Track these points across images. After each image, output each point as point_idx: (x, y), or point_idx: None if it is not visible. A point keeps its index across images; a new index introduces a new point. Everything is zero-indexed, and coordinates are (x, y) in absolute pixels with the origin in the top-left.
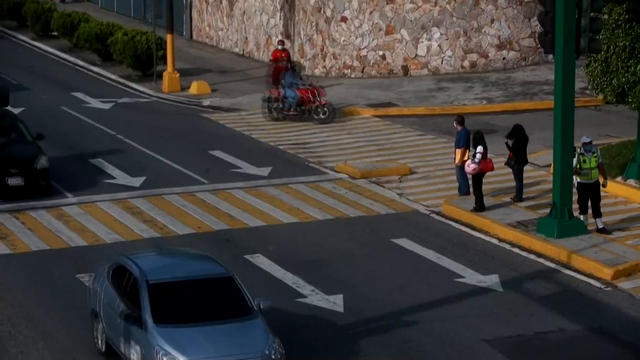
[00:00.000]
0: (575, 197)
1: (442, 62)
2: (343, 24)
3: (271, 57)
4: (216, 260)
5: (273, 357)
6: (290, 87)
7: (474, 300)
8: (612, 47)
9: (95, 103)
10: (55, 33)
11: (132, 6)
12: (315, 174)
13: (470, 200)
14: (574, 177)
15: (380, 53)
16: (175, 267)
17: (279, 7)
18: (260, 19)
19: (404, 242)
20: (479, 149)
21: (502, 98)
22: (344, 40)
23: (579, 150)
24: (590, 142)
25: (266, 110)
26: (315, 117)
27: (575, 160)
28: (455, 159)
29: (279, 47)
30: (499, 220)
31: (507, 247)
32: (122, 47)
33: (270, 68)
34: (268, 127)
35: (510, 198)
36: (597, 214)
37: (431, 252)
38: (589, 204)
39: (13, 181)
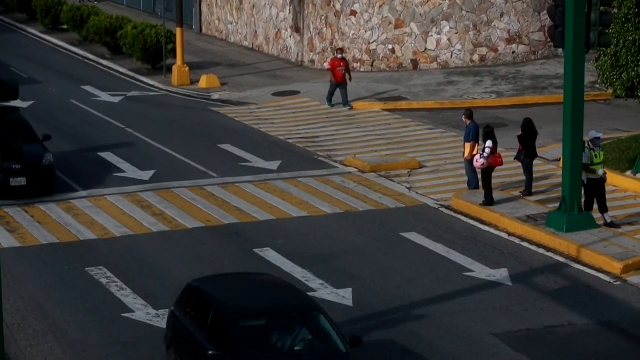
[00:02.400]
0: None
1: (451, 56)
2: (352, 18)
3: (328, 67)
4: None
5: None
6: None
7: (483, 293)
8: (621, 41)
9: (104, 96)
10: (64, 26)
11: None
12: (325, 168)
13: (480, 194)
14: (584, 174)
15: (390, 47)
16: None
17: (288, 1)
18: (269, 13)
19: (413, 236)
20: (488, 143)
21: (511, 92)
22: (353, 34)
23: (588, 145)
24: (599, 137)
25: None
26: None
27: (585, 157)
28: (464, 152)
29: (338, 55)
30: (508, 214)
31: (516, 241)
32: (132, 40)
33: None
34: (277, 120)
35: (520, 192)
36: (603, 208)
37: (440, 246)
38: (594, 200)
39: None
